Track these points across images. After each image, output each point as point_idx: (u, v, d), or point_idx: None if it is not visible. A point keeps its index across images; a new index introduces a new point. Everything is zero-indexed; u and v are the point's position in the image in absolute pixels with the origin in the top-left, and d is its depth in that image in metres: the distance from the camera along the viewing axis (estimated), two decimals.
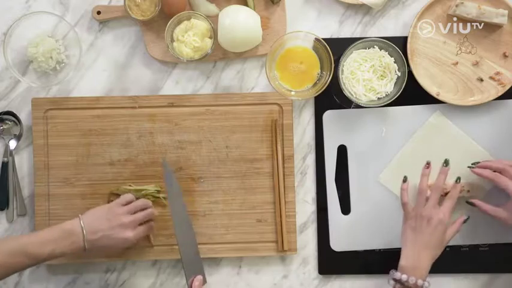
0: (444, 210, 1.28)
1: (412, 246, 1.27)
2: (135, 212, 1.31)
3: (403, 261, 1.27)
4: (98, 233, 1.24)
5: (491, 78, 1.41)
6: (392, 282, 1.27)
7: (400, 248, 1.35)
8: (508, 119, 1.41)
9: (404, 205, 1.32)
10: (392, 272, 1.27)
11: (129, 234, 1.27)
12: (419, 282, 1.24)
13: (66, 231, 1.23)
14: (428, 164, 1.34)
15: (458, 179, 1.32)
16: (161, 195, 1.39)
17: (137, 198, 1.35)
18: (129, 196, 1.34)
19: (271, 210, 1.40)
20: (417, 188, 1.32)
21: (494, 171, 1.32)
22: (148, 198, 1.37)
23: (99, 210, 1.28)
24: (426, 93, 1.39)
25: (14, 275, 1.30)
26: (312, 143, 1.43)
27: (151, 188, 1.38)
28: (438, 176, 1.32)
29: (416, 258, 1.26)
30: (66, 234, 1.23)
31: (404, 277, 1.24)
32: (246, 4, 1.39)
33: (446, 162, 1.33)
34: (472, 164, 1.36)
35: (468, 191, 1.38)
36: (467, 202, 1.35)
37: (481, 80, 1.41)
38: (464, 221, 1.33)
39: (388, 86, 1.37)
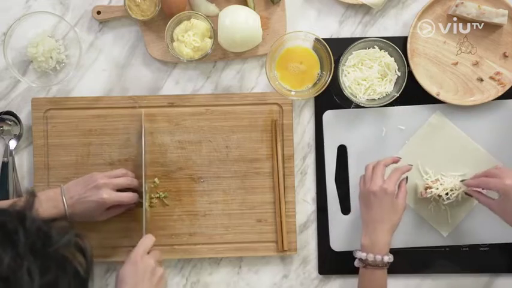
0: (387, 181, 1.29)
1: (366, 223, 1.29)
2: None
3: (362, 240, 1.29)
4: (74, 197, 1.27)
5: (491, 78, 1.41)
6: (356, 261, 1.29)
7: (400, 248, 1.36)
8: (508, 119, 1.41)
9: (359, 181, 1.34)
10: (354, 251, 1.30)
11: (104, 195, 1.28)
12: (378, 257, 1.25)
13: (49, 195, 1.27)
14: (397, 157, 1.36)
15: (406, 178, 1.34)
16: (161, 194, 1.39)
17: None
18: (119, 171, 1.34)
19: (271, 210, 1.40)
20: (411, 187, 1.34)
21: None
22: (151, 200, 1.38)
23: (81, 178, 1.31)
24: (426, 93, 1.39)
25: None
26: (312, 143, 1.43)
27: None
28: (386, 158, 1.34)
29: (372, 234, 1.27)
30: (48, 198, 1.26)
31: (363, 255, 1.27)
32: (246, 4, 1.39)
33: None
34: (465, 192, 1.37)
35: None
36: (466, 193, 1.35)
37: (481, 80, 1.41)
38: (406, 181, 1.33)
39: (388, 86, 1.37)
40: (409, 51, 1.39)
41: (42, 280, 0.77)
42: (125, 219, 1.38)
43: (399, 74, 1.37)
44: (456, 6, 1.38)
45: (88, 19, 1.43)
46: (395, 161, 1.34)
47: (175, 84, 1.43)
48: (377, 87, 1.37)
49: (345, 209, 1.41)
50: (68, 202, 1.26)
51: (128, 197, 1.32)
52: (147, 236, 1.29)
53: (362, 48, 1.38)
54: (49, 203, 1.25)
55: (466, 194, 1.36)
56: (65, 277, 0.80)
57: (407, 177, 1.34)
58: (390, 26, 1.44)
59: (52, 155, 1.39)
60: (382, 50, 1.37)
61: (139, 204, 1.35)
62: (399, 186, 1.31)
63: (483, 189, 1.32)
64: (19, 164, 1.41)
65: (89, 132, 1.40)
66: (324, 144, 1.42)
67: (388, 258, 1.26)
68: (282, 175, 1.40)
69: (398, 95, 1.36)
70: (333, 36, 1.44)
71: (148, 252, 1.26)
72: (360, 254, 1.27)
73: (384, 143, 1.41)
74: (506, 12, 1.38)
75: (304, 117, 1.43)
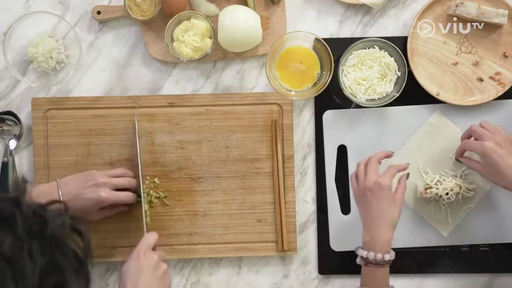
0: (382, 175, 1.26)
1: (366, 220, 1.26)
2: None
3: (363, 237, 1.26)
4: (71, 193, 1.26)
5: (491, 78, 1.41)
6: (358, 259, 1.27)
7: (399, 248, 1.36)
8: (508, 119, 1.41)
9: (351, 179, 1.31)
10: (356, 249, 1.27)
11: (102, 193, 1.27)
12: (378, 256, 1.23)
13: (42, 190, 1.25)
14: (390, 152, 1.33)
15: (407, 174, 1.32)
16: (161, 194, 1.39)
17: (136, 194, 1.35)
18: (119, 170, 1.34)
19: (271, 210, 1.40)
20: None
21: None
22: (150, 199, 1.38)
23: (79, 174, 1.31)
24: (426, 93, 1.39)
25: None
26: (312, 143, 1.43)
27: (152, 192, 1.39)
28: (378, 152, 1.31)
29: (373, 230, 1.25)
30: (43, 192, 1.24)
31: (364, 253, 1.25)
32: (246, 4, 1.39)
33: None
34: (454, 158, 1.38)
35: (468, 189, 1.38)
36: (456, 159, 1.37)
37: (481, 80, 1.41)
38: (407, 177, 1.31)
39: (388, 86, 1.37)
40: (409, 51, 1.39)
41: (43, 260, 0.78)
42: (125, 219, 1.38)
43: (399, 74, 1.37)
44: (456, 6, 1.38)
45: (88, 19, 1.43)
46: (388, 156, 1.32)
47: (175, 84, 1.43)
48: (377, 87, 1.37)
49: (345, 209, 1.41)
50: (64, 197, 1.25)
51: (126, 196, 1.32)
52: (150, 233, 1.28)
53: (362, 48, 1.38)
54: (43, 198, 1.23)
55: (456, 160, 1.37)
56: (65, 258, 0.81)
57: (408, 174, 1.31)
58: (390, 26, 1.44)
59: (52, 155, 1.39)
60: (382, 50, 1.37)
61: (138, 204, 1.35)
62: (399, 181, 1.29)
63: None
64: (19, 164, 1.41)
65: (89, 132, 1.40)
66: (324, 144, 1.42)
67: (390, 256, 1.24)
68: (282, 175, 1.40)
69: (398, 95, 1.36)
70: (333, 36, 1.44)
71: (153, 249, 1.26)
72: (361, 252, 1.25)
73: (384, 143, 1.41)
74: (506, 12, 1.38)
75: (304, 117, 1.43)
